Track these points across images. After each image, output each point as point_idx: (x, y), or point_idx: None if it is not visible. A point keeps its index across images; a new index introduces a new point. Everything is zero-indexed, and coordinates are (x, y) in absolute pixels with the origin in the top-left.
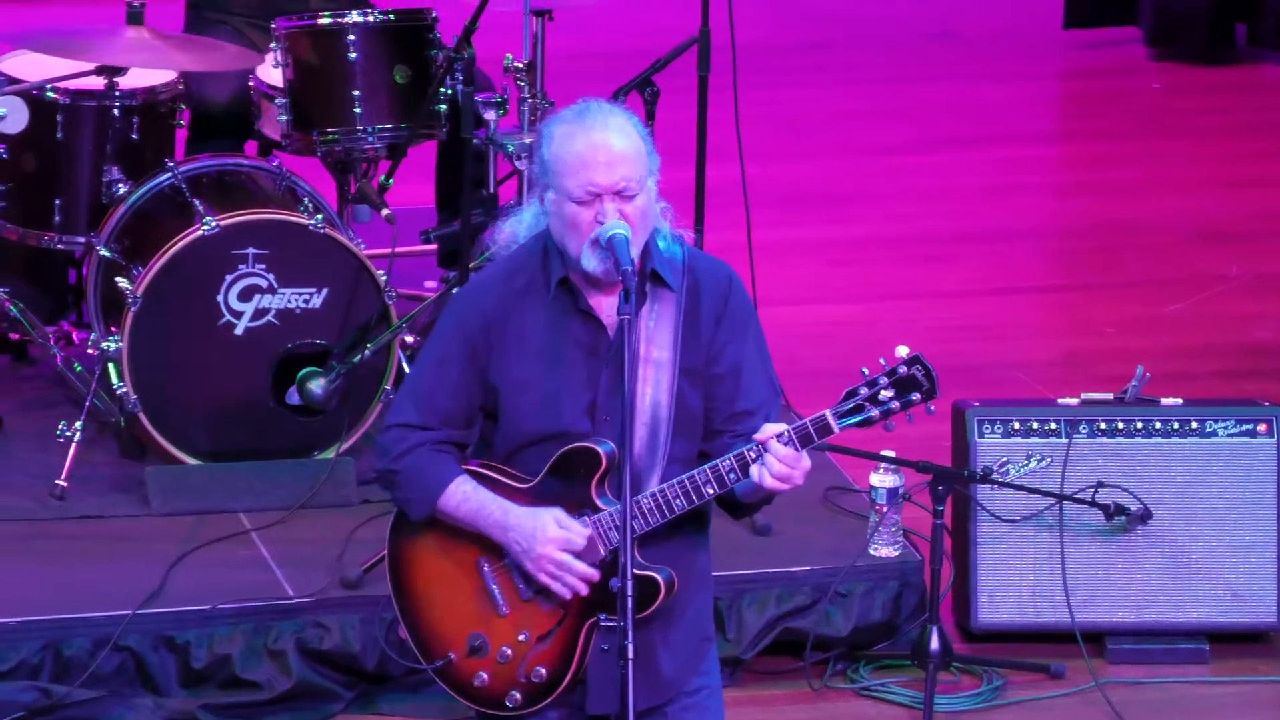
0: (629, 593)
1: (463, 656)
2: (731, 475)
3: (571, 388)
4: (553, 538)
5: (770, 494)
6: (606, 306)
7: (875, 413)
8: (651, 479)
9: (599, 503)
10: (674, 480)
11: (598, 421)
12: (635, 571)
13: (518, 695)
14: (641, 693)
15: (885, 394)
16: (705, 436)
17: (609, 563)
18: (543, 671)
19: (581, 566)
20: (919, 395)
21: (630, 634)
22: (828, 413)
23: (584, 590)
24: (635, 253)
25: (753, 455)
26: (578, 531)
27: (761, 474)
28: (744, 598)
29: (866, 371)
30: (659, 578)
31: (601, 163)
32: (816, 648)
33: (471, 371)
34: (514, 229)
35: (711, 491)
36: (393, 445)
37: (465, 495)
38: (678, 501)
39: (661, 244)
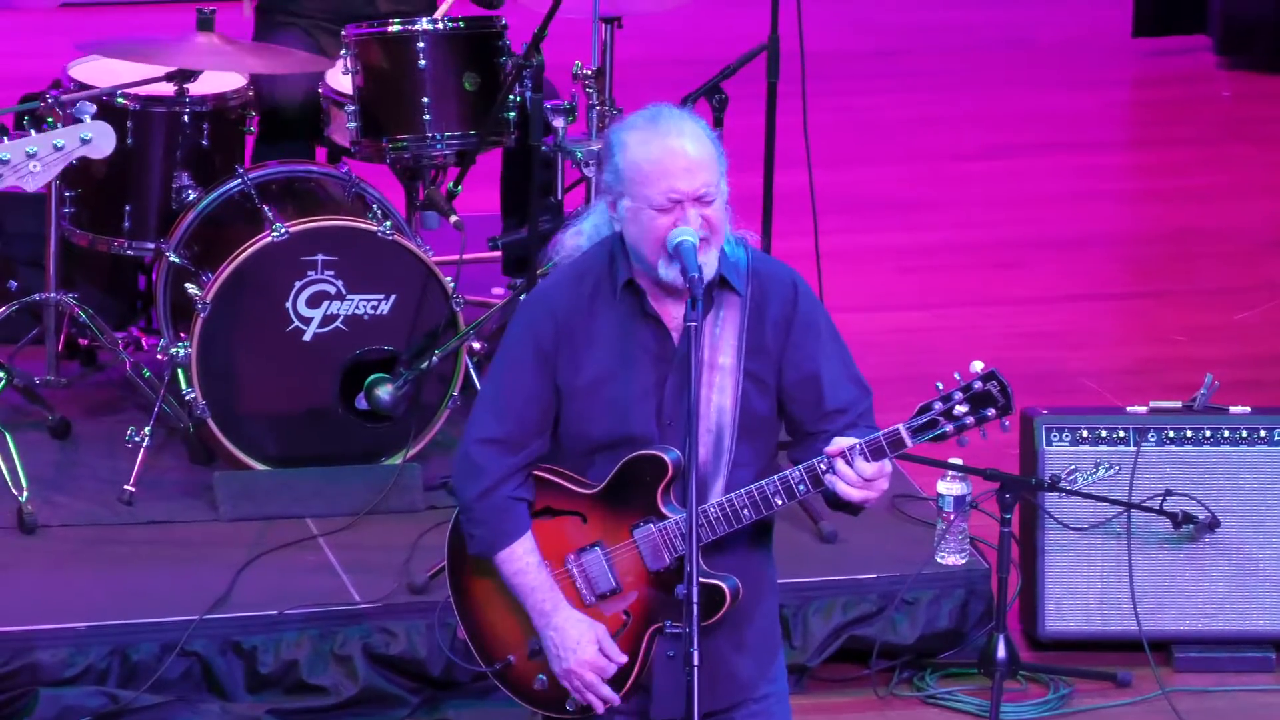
0: (694, 600)
1: (523, 659)
2: (801, 487)
3: (638, 392)
4: (588, 660)
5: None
6: (673, 311)
7: (949, 428)
8: (716, 485)
9: (664, 510)
10: (742, 490)
11: (663, 426)
12: (700, 580)
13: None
14: (707, 697)
15: (960, 409)
16: (800, 440)
17: (674, 570)
18: None
19: (606, 691)
20: (994, 411)
21: (695, 641)
22: (901, 427)
23: (600, 708)
24: (714, 259)
25: (823, 468)
26: (615, 658)
27: (835, 484)
28: (810, 605)
29: (941, 386)
30: (724, 586)
31: (682, 169)
32: (882, 655)
33: (545, 377)
34: (575, 241)
35: (780, 502)
36: (477, 469)
37: (523, 568)
38: (745, 512)
39: (727, 248)
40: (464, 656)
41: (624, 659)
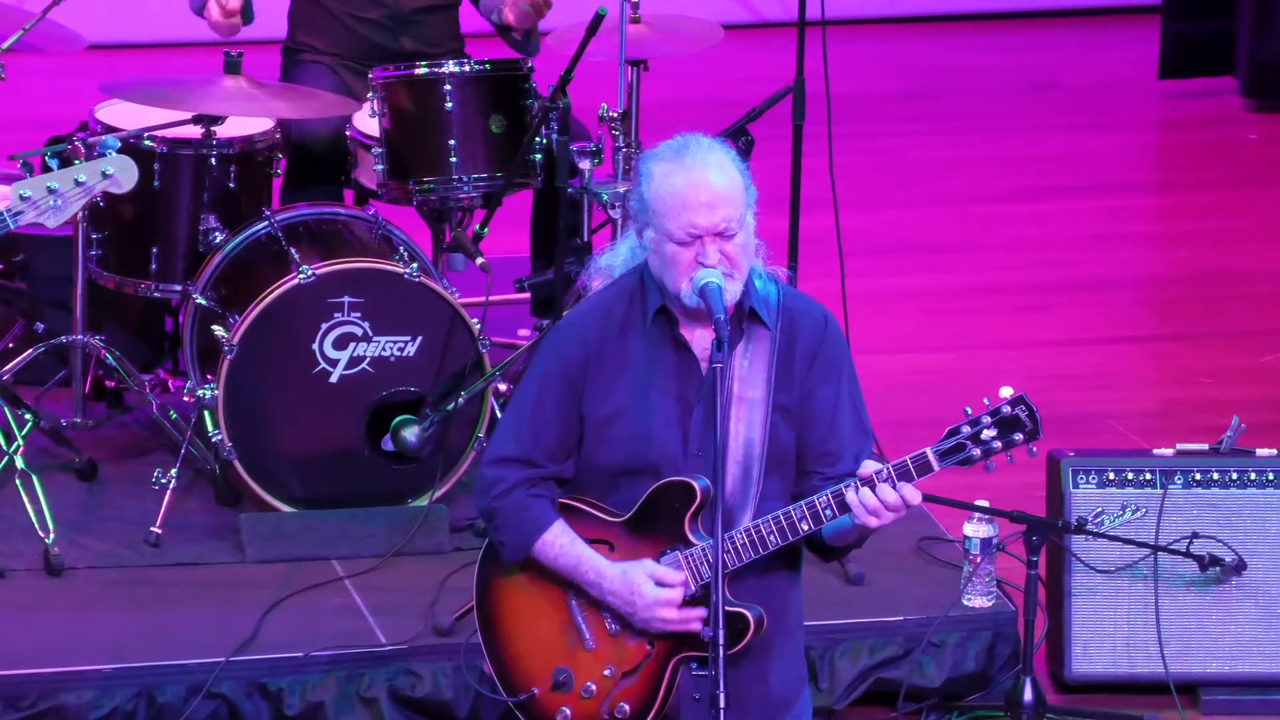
0: (720, 642)
1: (546, 691)
2: (828, 512)
3: (663, 421)
4: (654, 600)
5: (860, 538)
6: (702, 340)
7: (976, 451)
8: (744, 516)
9: (691, 537)
10: (768, 516)
11: (689, 456)
12: (724, 609)
13: None
14: None
15: (988, 433)
16: (797, 477)
17: (700, 598)
18: (626, 708)
19: (692, 614)
20: (1022, 435)
21: (722, 684)
22: (929, 451)
23: (699, 628)
24: (737, 289)
25: (848, 491)
26: (675, 581)
27: (855, 507)
28: (837, 647)
29: (969, 410)
30: (749, 614)
31: (702, 203)
32: (909, 698)
33: (570, 402)
34: (610, 262)
35: (806, 528)
36: (492, 482)
37: (561, 549)
38: (772, 538)
39: (758, 282)
40: (491, 690)
41: (681, 576)
